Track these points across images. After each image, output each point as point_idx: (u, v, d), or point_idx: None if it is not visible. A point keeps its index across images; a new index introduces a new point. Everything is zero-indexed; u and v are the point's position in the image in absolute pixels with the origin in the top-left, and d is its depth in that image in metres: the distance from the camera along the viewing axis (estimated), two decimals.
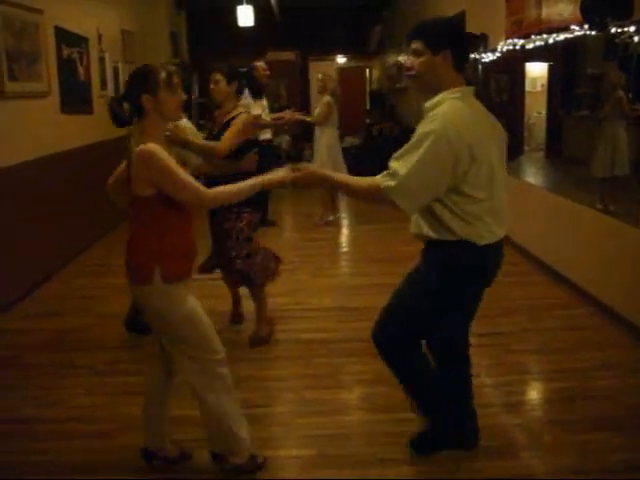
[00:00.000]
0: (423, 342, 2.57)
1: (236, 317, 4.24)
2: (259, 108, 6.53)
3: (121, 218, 6.26)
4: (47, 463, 2.69)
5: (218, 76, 3.68)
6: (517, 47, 5.25)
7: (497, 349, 3.64)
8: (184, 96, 2.39)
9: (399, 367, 2.54)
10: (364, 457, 2.67)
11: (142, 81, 2.31)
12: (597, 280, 4.28)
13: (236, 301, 4.25)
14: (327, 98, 6.84)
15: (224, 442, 2.51)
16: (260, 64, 6.93)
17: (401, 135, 9.00)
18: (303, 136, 10.95)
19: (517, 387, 3.27)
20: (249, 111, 3.97)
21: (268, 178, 2.42)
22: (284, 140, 11.58)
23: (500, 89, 6.31)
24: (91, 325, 4.21)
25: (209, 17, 11.62)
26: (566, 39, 4.40)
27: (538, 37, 4.84)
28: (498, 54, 5.77)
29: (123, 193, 2.46)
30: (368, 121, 12.31)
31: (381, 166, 2.34)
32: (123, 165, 2.48)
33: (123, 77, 7.33)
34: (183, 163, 2.52)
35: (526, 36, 5.09)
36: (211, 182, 2.69)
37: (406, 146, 2.22)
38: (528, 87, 6.17)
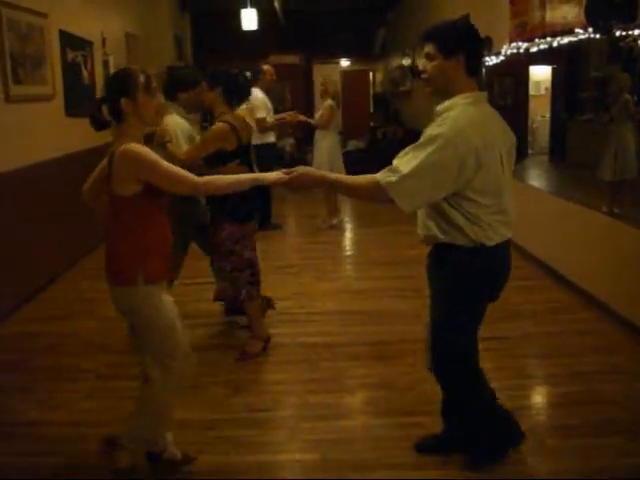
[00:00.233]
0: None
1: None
2: (264, 111, 6.55)
3: None
4: (52, 466, 2.69)
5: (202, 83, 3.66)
6: (521, 50, 5.24)
7: (501, 353, 3.63)
8: (161, 99, 2.41)
9: (462, 386, 2.49)
10: (368, 462, 2.66)
11: (121, 85, 2.33)
12: (602, 284, 4.26)
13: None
14: (329, 102, 6.85)
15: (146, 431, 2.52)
16: (268, 67, 6.99)
17: (405, 138, 9.01)
18: (306, 139, 10.97)
19: (521, 391, 3.25)
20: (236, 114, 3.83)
21: (263, 176, 2.42)
22: (288, 143, 11.60)
23: (504, 92, 6.30)
24: (95, 328, 4.21)
25: (213, 20, 11.65)
26: (570, 42, 4.39)
27: (542, 40, 4.82)
28: (502, 57, 5.75)
29: (100, 195, 2.48)
30: (372, 124, 12.33)
31: None
32: (99, 167, 2.50)
33: None
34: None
35: (530, 39, 5.08)
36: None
37: (412, 146, 2.22)
38: (532, 90, 6.17)
